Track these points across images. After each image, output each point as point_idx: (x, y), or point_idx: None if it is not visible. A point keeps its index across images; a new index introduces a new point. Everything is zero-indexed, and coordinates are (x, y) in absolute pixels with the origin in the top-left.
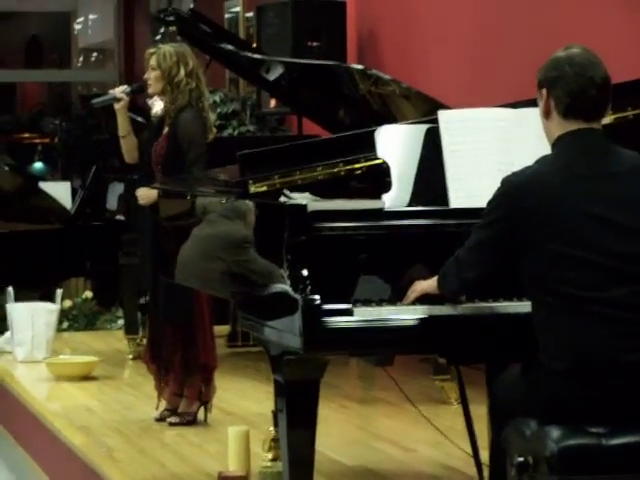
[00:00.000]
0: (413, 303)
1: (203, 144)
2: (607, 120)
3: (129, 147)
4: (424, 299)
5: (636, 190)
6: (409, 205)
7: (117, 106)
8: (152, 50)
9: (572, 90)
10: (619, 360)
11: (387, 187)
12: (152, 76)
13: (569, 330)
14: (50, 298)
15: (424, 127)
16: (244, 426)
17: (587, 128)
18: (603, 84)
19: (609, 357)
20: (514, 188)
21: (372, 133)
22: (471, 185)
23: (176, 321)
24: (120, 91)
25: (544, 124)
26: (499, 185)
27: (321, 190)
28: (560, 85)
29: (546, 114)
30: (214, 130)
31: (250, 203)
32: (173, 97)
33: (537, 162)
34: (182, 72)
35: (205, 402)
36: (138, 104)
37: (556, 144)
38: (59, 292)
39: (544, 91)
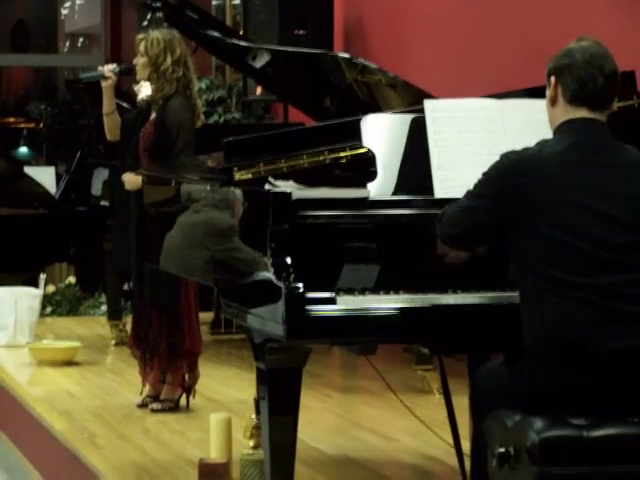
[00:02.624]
0: (397, 292)
1: (191, 131)
2: None
3: (111, 125)
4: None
5: (630, 184)
6: (394, 194)
7: (104, 84)
8: (141, 36)
9: (581, 77)
10: (603, 347)
11: (372, 176)
12: (140, 62)
13: (553, 314)
14: (34, 283)
15: (410, 116)
16: (226, 413)
17: (590, 118)
18: (612, 76)
19: (593, 343)
20: (513, 164)
21: (358, 122)
22: (456, 175)
23: (162, 307)
24: (109, 70)
25: (549, 112)
26: (498, 159)
27: (306, 178)
28: (569, 72)
29: (552, 101)
30: (202, 117)
31: (238, 192)
32: (159, 85)
33: (538, 144)
34: (168, 60)
35: (188, 389)
36: (123, 89)
37: (558, 130)
38: (42, 277)
39: (553, 79)
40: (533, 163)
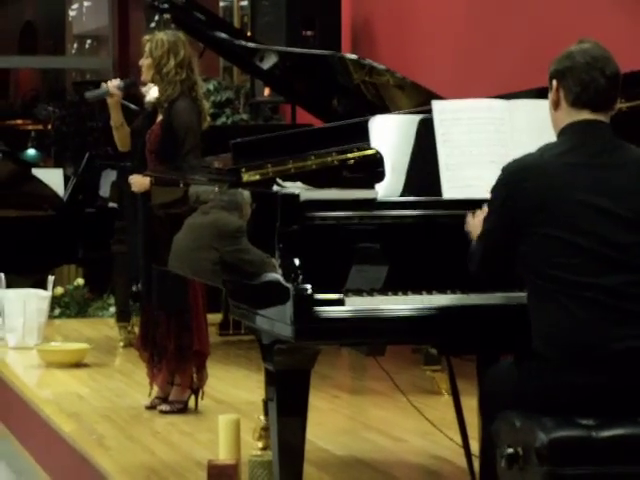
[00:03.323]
0: (405, 293)
1: (199, 132)
2: None
3: (122, 137)
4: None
5: (633, 182)
6: (402, 195)
7: (110, 100)
8: (147, 37)
9: (583, 79)
10: (610, 347)
11: (380, 177)
12: (145, 63)
13: (560, 314)
14: (42, 285)
15: (418, 117)
16: (235, 415)
17: (593, 119)
18: (613, 77)
19: (600, 343)
20: (513, 174)
21: (365, 123)
22: (464, 175)
23: (170, 308)
24: (113, 86)
25: (552, 116)
26: (500, 172)
27: (314, 179)
28: (571, 74)
29: (555, 105)
30: (208, 118)
31: (246, 194)
32: (163, 87)
33: (540, 149)
34: (172, 62)
35: (196, 390)
36: (130, 91)
37: (561, 133)
38: (51, 279)
39: (555, 82)
40: (534, 168)
